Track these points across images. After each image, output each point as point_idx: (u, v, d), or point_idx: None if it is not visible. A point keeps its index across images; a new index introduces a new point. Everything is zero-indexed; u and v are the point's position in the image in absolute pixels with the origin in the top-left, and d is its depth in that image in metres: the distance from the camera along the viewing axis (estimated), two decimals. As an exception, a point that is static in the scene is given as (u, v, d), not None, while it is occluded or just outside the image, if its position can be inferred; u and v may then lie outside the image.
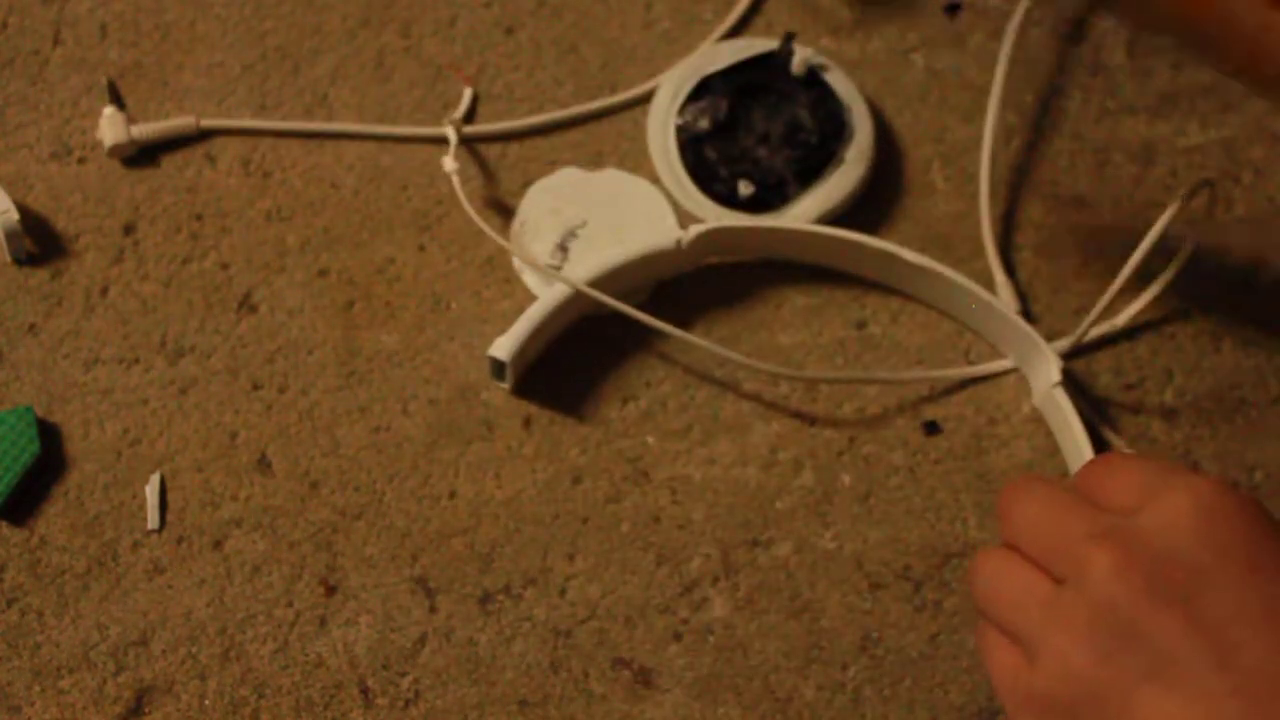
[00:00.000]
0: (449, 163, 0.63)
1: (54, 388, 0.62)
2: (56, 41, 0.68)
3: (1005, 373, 0.64)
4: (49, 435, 0.61)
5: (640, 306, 0.62)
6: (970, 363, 0.64)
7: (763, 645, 0.59)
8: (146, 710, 0.57)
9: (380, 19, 0.69)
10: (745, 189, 0.64)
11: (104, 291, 0.63)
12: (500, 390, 0.62)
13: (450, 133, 0.65)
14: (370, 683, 0.58)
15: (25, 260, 0.64)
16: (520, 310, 0.61)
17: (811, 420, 0.63)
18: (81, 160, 0.66)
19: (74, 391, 0.62)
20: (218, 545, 0.60)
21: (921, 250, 0.63)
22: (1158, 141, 0.68)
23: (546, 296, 0.61)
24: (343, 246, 0.65)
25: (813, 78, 0.66)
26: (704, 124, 0.65)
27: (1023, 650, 0.47)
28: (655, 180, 0.66)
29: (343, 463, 0.61)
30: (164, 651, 0.58)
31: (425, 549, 0.60)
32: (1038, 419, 0.63)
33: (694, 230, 0.62)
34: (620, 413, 0.62)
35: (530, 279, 0.64)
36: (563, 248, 0.64)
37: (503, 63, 0.68)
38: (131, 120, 0.66)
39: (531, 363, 0.62)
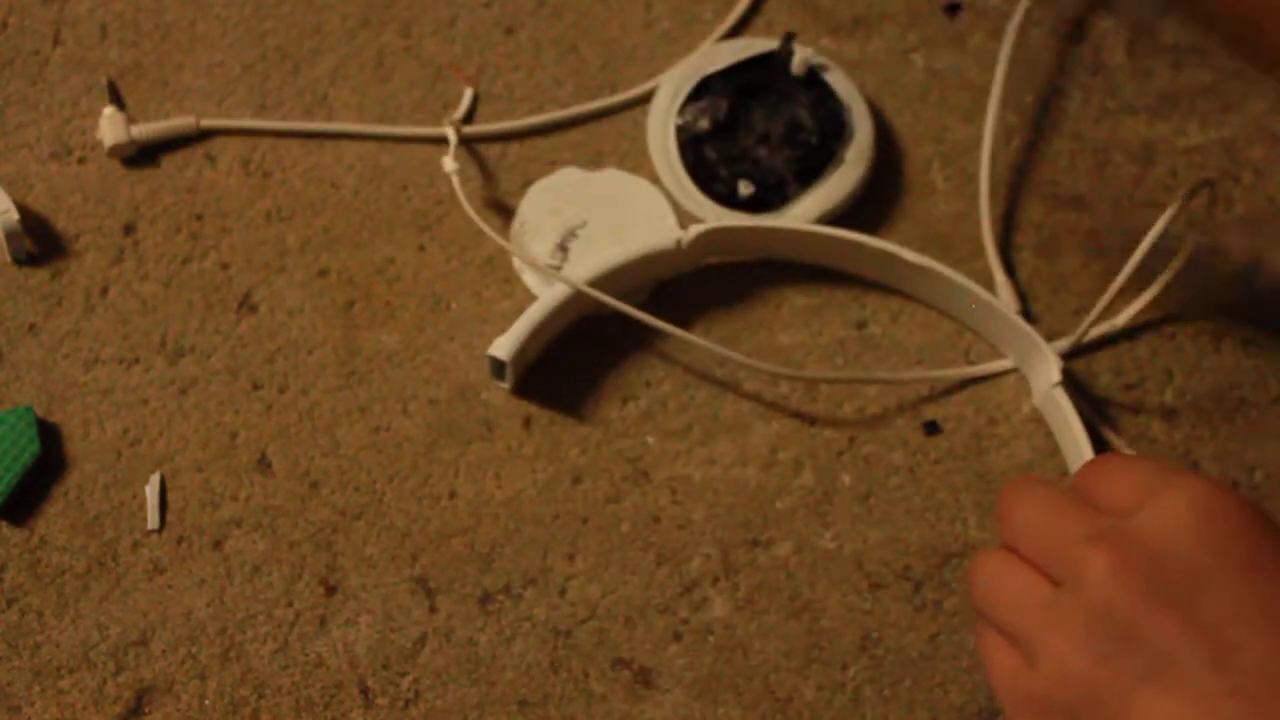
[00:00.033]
0: (449, 163, 0.63)
1: (54, 388, 0.62)
2: (56, 41, 0.68)
3: (1005, 373, 0.64)
4: (49, 435, 0.61)
5: (640, 306, 0.62)
6: (970, 363, 0.64)
7: (763, 645, 0.59)
8: (146, 710, 0.57)
9: (380, 19, 0.69)
10: (745, 189, 0.64)
11: (104, 291, 0.63)
12: (500, 390, 0.62)
13: (450, 133, 0.65)
14: (370, 683, 0.58)
15: (25, 260, 0.64)
16: (520, 310, 0.61)
17: (811, 420, 0.63)
18: (81, 160, 0.66)
19: (74, 391, 0.62)
20: (218, 545, 0.60)
21: (921, 250, 0.63)
22: (1158, 141, 0.68)
23: (546, 296, 0.61)
24: (343, 246, 0.65)
25: (813, 78, 0.66)
26: (704, 124, 0.65)
27: (1022, 652, 0.47)
28: (655, 180, 0.66)
29: (343, 463, 0.61)
30: (164, 651, 0.58)
31: (425, 549, 0.60)
32: (1038, 419, 0.63)
33: (694, 230, 0.62)
34: (620, 413, 0.62)
35: (530, 279, 0.64)
36: (563, 248, 0.64)
37: (503, 63, 0.68)
38: (131, 120, 0.66)
39: (531, 363, 0.62)
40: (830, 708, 0.58)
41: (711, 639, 0.59)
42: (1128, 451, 0.62)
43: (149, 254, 0.64)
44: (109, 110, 0.66)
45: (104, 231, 0.64)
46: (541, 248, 0.64)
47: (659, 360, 0.63)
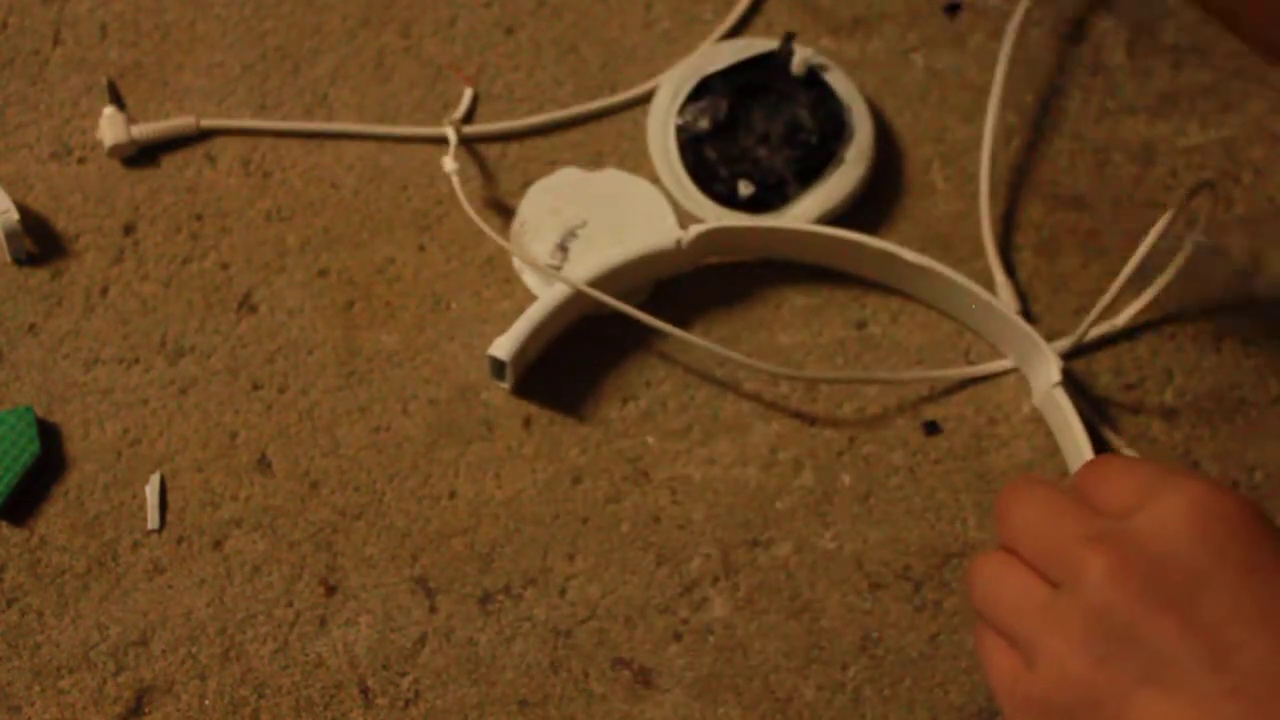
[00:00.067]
0: (449, 163, 0.63)
1: (54, 388, 0.62)
2: (56, 41, 0.68)
3: (1005, 373, 0.64)
4: (49, 435, 0.61)
5: (640, 306, 0.62)
6: (970, 363, 0.64)
7: (763, 645, 0.59)
8: (146, 710, 0.57)
9: (380, 19, 0.69)
10: (745, 189, 0.64)
11: (104, 291, 0.63)
12: (500, 390, 0.62)
13: (450, 133, 0.65)
14: (370, 683, 0.58)
15: (25, 260, 0.64)
16: (520, 310, 0.61)
17: (811, 420, 0.63)
18: (81, 160, 0.66)
19: (74, 391, 0.62)
20: (218, 545, 0.60)
21: (921, 250, 0.63)
22: (1158, 141, 0.68)
23: (546, 296, 0.61)
24: (343, 246, 0.65)
25: (813, 78, 0.66)
26: (704, 124, 0.65)
27: (1020, 654, 0.47)
28: (655, 180, 0.66)
29: (343, 463, 0.61)
30: (164, 651, 0.58)
31: (425, 549, 0.60)
32: (1038, 419, 0.63)
33: (694, 230, 0.62)
34: (620, 413, 0.62)
35: (530, 279, 0.64)
36: (563, 248, 0.64)
37: (503, 63, 0.68)
38: (131, 120, 0.66)
39: (531, 363, 0.62)
40: (830, 708, 0.58)
41: (711, 639, 0.59)
42: (1128, 452, 0.62)
43: (149, 254, 0.64)
44: (109, 110, 0.66)
45: (104, 231, 0.64)
46: (541, 248, 0.64)
47: (659, 360, 0.63)
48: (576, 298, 0.61)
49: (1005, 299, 0.64)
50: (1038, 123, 0.68)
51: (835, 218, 0.65)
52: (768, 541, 0.61)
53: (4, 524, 0.60)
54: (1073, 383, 0.63)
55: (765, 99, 0.66)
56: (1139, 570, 0.45)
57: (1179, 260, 0.63)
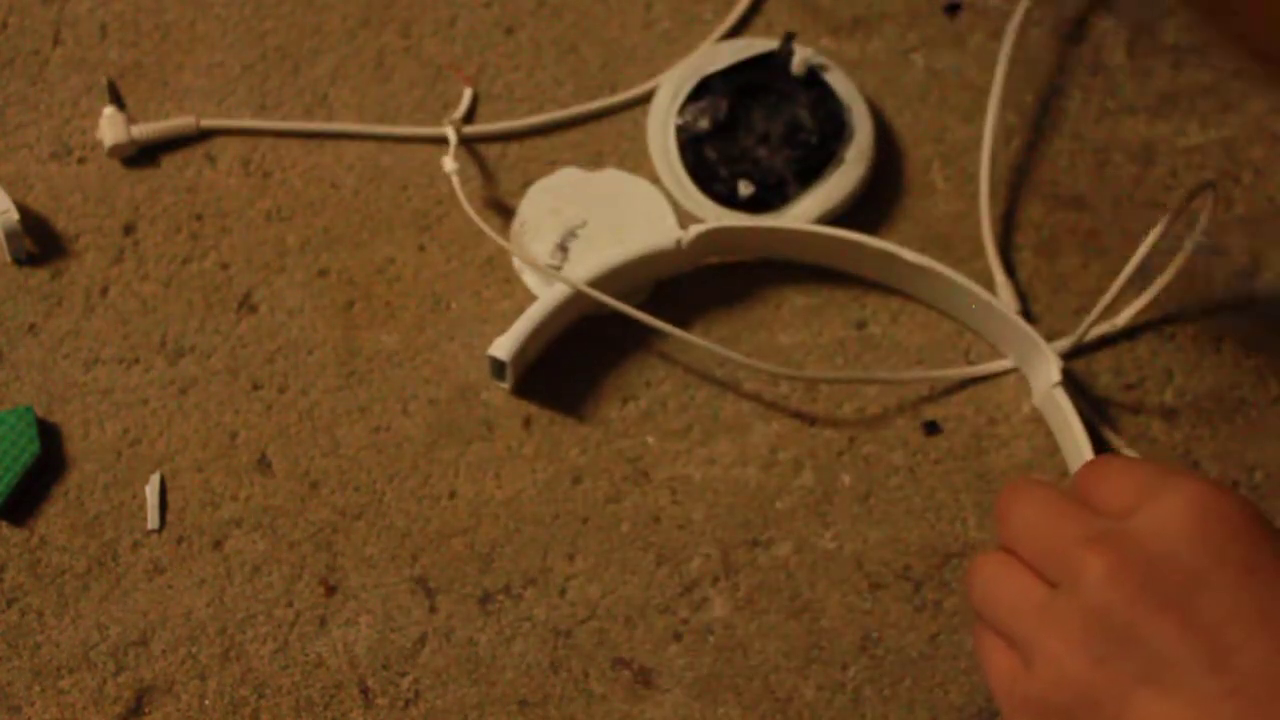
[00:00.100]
0: (449, 163, 0.63)
1: (54, 388, 0.62)
2: (56, 41, 0.68)
3: (1005, 373, 0.64)
4: (49, 435, 0.61)
5: (640, 306, 0.62)
6: (970, 363, 0.64)
7: (763, 645, 0.59)
8: (146, 710, 0.57)
9: (380, 19, 0.69)
10: (745, 189, 0.64)
11: (104, 291, 0.64)
12: (500, 390, 0.62)
13: (450, 133, 0.65)
14: (370, 683, 0.58)
15: (25, 260, 0.64)
16: (520, 310, 0.61)
17: (811, 420, 0.63)
18: (81, 160, 0.66)
19: (74, 391, 0.62)
20: (218, 545, 0.60)
21: (921, 250, 0.63)
22: (1158, 141, 0.68)
23: (546, 296, 0.61)
24: (343, 246, 0.65)
25: (813, 78, 0.66)
26: (704, 124, 0.65)
27: (1019, 654, 0.47)
28: (655, 180, 0.66)
29: (343, 463, 0.61)
30: (164, 651, 0.58)
31: (425, 549, 0.60)
32: (1038, 419, 0.63)
33: (694, 230, 0.62)
34: (620, 413, 0.62)
35: (530, 279, 0.64)
36: (563, 248, 0.64)
37: (503, 63, 0.68)
38: (131, 120, 0.66)
39: (531, 363, 0.62)
40: (830, 708, 0.58)
41: (711, 639, 0.59)
42: (1128, 452, 0.62)
43: (149, 254, 0.64)
44: (109, 110, 0.66)
45: (104, 231, 0.64)
46: (541, 248, 0.64)
47: (659, 360, 0.63)
48: (576, 298, 0.61)
49: (1005, 299, 0.64)
50: (1038, 123, 0.68)
51: (835, 218, 0.65)
52: (768, 541, 0.61)
53: (4, 524, 0.60)
54: (1073, 383, 0.63)
55: (765, 99, 0.66)
56: (1138, 570, 0.45)
57: (1179, 260, 0.63)
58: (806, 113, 0.66)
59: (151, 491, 0.60)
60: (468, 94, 0.67)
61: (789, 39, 0.66)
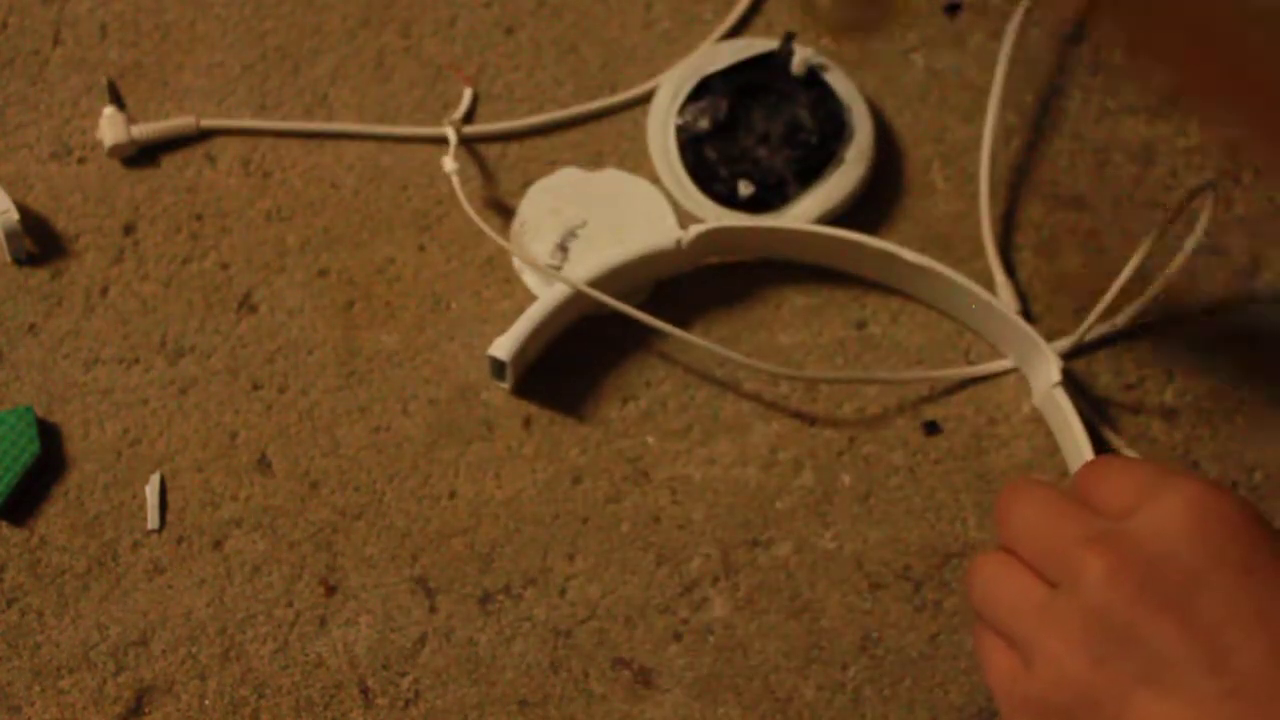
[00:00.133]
0: (449, 163, 0.63)
1: (54, 388, 0.62)
2: (56, 41, 0.68)
3: (1005, 373, 0.64)
4: (49, 435, 0.61)
5: (640, 306, 0.62)
6: (970, 363, 0.64)
7: (763, 645, 0.59)
8: (146, 710, 0.57)
9: (380, 19, 0.69)
10: (745, 189, 0.64)
11: (104, 291, 0.64)
12: (500, 390, 0.62)
13: (450, 133, 0.65)
14: (370, 683, 0.58)
15: (25, 260, 0.64)
16: (520, 310, 0.61)
17: (811, 420, 0.63)
18: (81, 160, 0.66)
19: (74, 391, 0.62)
20: (218, 545, 0.60)
21: (921, 250, 0.63)
22: (1158, 141, 0.68)
23: (546, 296, 0.61)
24: (343, 246, 0.65)
25: (813, 78, 0.66)
26: (704, 124, 0.65)
27: (1019, 654, 0.47)
28: (655, 180, 0.66)
29: (343, 463, 0.61)
30: (164, 651, 0.58)
31: (425, 549, 0.60)
32: (1038, 419, 0.63)
33: (694, 230, 0.62)
34: (620, 413, 0.62)
35: (530, 279, 0.64)
36: (563, 248, 0.64)
37: (503, 63, 0.68)
38: (131, 120, 0.66)
39: (531, 363, 0.62)
40: (830, 708, 0.58)
41: (711, 639, 0.59)
42: (1128, 452, 0.62)
43: (149, 254, 0.64)
44: (109, 110, 0.66)
45: (104, 231, 0.64)
46: (541, 248, 0.64)
47: (659, 360, 0.63)
48: (576, 298, 0.61)
49: (1005, 299, 0.64)
50: (1038, 123, 0.68)
51: (835, 218, 0.65)
52: (768, 541, 0.61)
53: (4, 524, 0.60)
54: (1073, 383, 0.63)
55: (765, 99, 0.66)
56: (1137, 571, 0.45)
57: (1179, 260, 0.63)
58: (806, 113, 0.66)
59: (151, 491, 0.60)
60: (468, 94, 0.67)
61: (789, 39, 0.66)
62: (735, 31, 0.69)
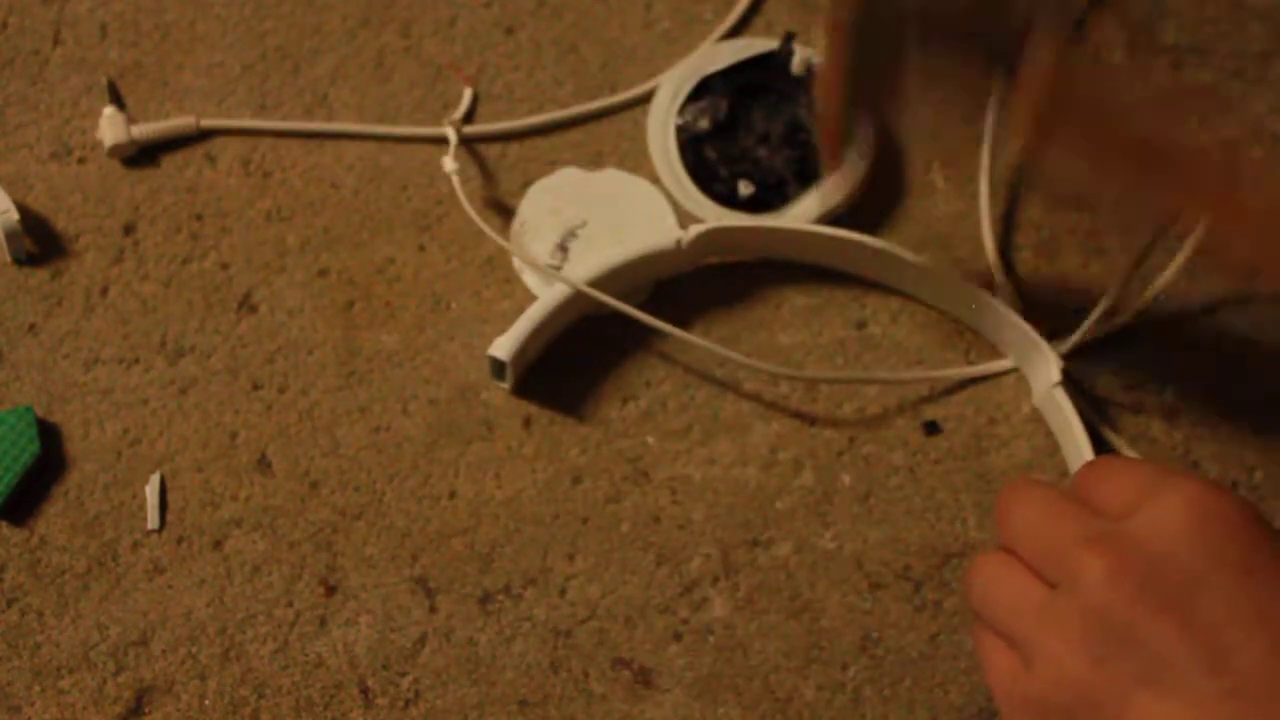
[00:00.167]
0: (449, 163, 0.63)
1: (54, 388, 0.62)
2: (56, 41, 0.68)
3: (1005, 373, 0.64)
4: (49, 435, 0.61)
5: (640, 306, 0.62)
6: (970, 363, 0.64)
7: (763, 645, 0.59)
8: (146, 710, 0.57)
9: (380, 19, 0.69)
10: (745, 189, 0.64)
11: (104, 291, 0.64)
12: (500, 390, 0.62)
13: (450, 133, 0.65)
14: (370, 683, 0.58)
15: (25, 260, 0.64)
16: (520, 310, 0.61)
17: (811, 420, 0.63)
18: (81, 160, 0.66)
19: (74, 391, 0.62)
20: (218, 545, 0.60)
21: (921, 250, 0.63)
22: (1158, 141, 0.68)
23: (546, 296, 0.61)
24: (343, 246, 0.65)
25: (813, 77, 0.66)
26: (704, 124, 0.65)
27: (1019, 654, 0.47)
28: (655, 180, 0.66)
29: (343, 463, 0.61)
30: (164, 651, 0.58)
31: (425, 549, 0.60)
32: (1038, 419, 0.63)
33: (694, 230, 0.62)
34: (620, 413, 0.62)
35: (530, 279, 0.64)
36: (563, 248, 0.64)
37: (503, 63, 0.68)
38: (131, 120, 0.66)
39: (531, 363, 0.62)
40: (830, 708, 0.58)
41: (711, 639, 0.59)
42: (1128, 452, 0.62)
43: (149, 254, 0.64)
44: (109, 110, 0.66)
45: (104, 231, 0.64)
46: (541, 248, 0.64)
47: (659, 360, 0.63)
48: (576, 298, 0.61)
49: (1005, 299, 0.64)
50: (1038, 123, 0.68)
51: (835, 218, 0.65)
52: (768, 541, 0.61)
53: (4, 524, 0.60)
54: (1073, 383, 0.62)
55: (765, 99, 0.66)
56: (1137, 571, 0.45)
57: (1179, 260, 0.63)
58: (806, 113, 0.66)
59: (151, 491, 0.60)
60: (468, 94, 0.67)
61: (789, 39, 0.66)
62: (735, 31, 0.69)
